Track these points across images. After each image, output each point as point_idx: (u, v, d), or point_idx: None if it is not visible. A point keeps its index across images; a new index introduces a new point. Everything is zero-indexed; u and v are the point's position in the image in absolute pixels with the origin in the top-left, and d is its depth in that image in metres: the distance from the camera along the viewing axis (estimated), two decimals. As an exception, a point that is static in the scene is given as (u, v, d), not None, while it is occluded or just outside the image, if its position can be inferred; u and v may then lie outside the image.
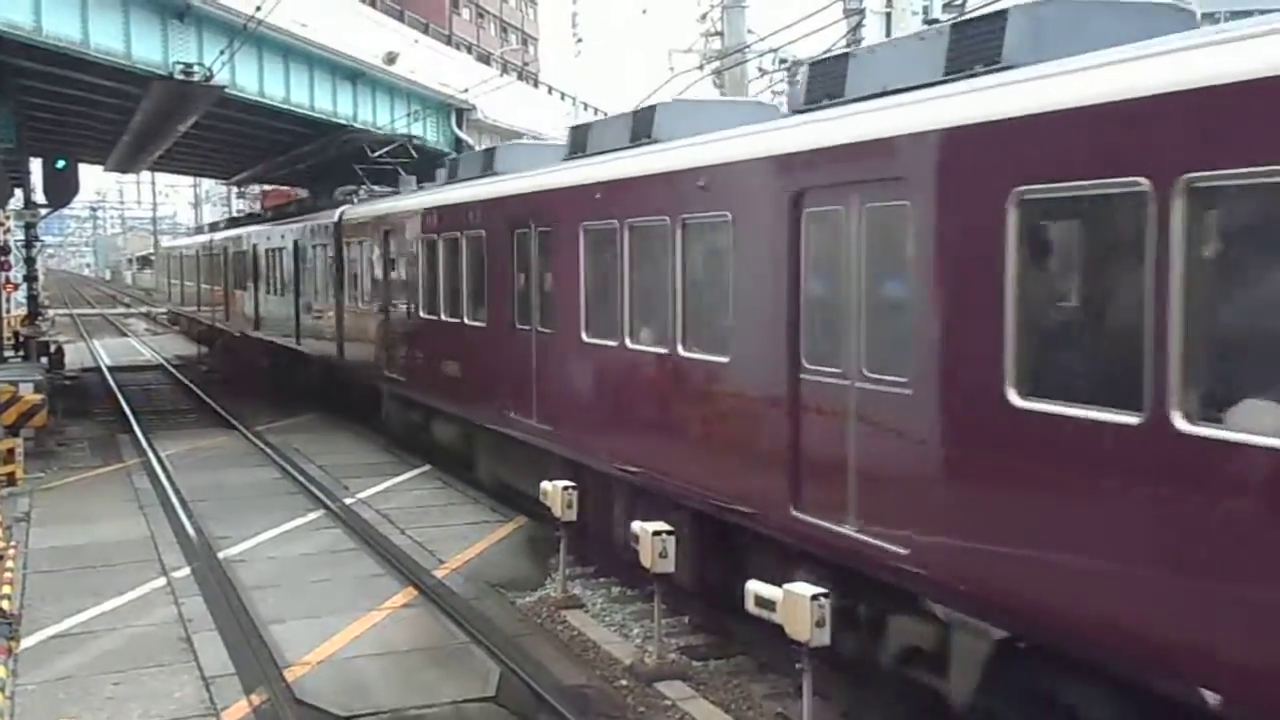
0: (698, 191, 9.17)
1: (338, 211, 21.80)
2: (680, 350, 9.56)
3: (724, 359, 8.85)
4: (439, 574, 11.59)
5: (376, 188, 22.86)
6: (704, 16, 31.13)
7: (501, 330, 13.37)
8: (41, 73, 22.42)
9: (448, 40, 38.73)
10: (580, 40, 65.80)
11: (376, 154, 24.95)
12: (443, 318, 15.50)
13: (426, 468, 17.03)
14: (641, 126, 11.19)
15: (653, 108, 11.33)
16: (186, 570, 11.71)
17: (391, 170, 24.31)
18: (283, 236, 25.90)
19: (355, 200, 22.28)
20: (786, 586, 7.17)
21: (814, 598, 6.93)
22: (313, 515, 14.29)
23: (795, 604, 7.00)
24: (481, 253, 14.13)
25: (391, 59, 28.69)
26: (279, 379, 27.43)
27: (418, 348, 16.98)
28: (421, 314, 16.47)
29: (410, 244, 17.10)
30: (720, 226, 8.94)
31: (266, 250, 27.55)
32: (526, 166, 13.96)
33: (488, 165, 15.63)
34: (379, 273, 18.82)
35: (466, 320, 14.66)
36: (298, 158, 35.73)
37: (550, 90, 44.57)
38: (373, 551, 12.49)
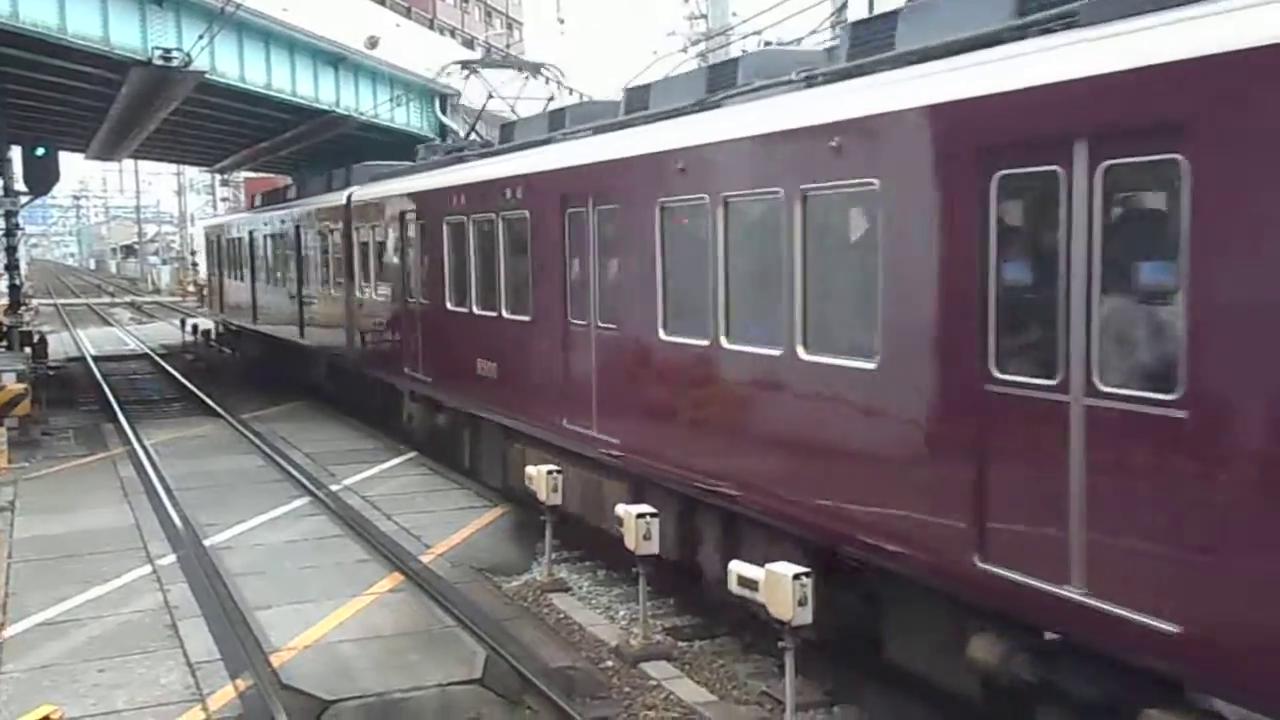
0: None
1: None
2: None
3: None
4: (425, 559, 11.59)
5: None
6: (687, -1, 31.11)
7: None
8: (19, 59, 22.23)
9: (430, 25, 38.55)
10: (563, 21, 65.41)
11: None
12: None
13: (413, 454, 17.01)
14: None
15: None
16: (172, 558, 11.69)
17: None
18: None
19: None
20: (769, 566, 7.20)
21: (795, 577, 6.96)
22: (298, 502, 14.27)
23: (777, 583, 7.03)
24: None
25: (374, 43, 28.52)
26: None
27: None
28: None
29: None
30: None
31: None
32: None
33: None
34: None
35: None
36: (281, 144, 35.55)
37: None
38: (358, 537, 12.48)
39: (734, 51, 24.30)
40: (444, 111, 32.55)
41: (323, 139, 33.31)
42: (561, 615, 10.12)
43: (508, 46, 46.39)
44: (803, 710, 7.81)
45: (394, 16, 32.12)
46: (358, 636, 9.29)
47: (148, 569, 11.31)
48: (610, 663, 8.94)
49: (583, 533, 11.89)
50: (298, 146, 35.82)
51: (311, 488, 14.96)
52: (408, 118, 31.36)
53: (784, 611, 7.01)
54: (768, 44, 25.94)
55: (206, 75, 23.33)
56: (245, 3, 20.35)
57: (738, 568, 7.50)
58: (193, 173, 74.46)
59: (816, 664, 8.26)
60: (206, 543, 12.29)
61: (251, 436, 19.22)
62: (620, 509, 9.25)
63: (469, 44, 42.38)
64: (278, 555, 11.86)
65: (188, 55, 21.68)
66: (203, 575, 11.03)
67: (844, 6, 21.41)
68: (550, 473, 10.81)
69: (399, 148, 32.96)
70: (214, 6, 21.38)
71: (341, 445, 18.36)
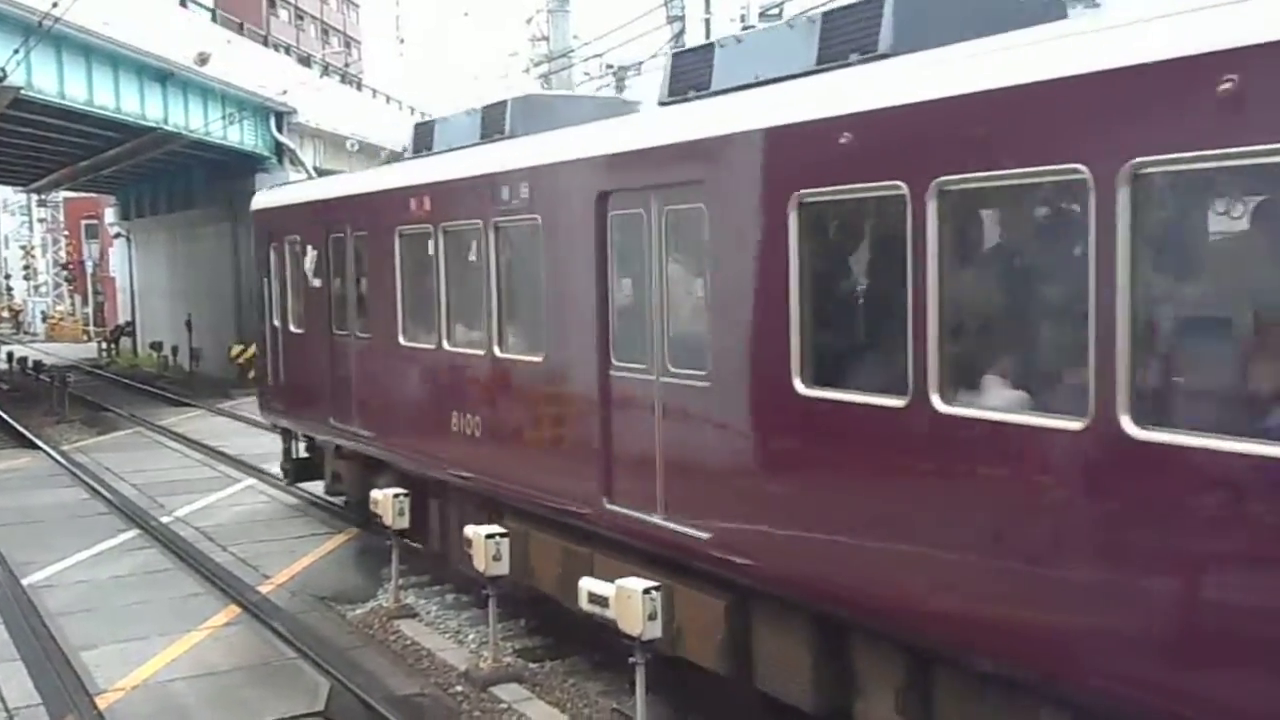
0: None
1: None
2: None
3: None
4: (263, 589, 11.20)
5: None
6: (529, 20, 31.20)
7: None
8: None
9: (264, 41, 37.54)
10: (403, 41, 64.51)
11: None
12: None
13: (252, 481, 16.43)
14: None
15: None
16: (-15, 599, 10.98)
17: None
18: None
19: None
20: (619, 582, 7.19)
21: (646, 591, 6.97)
22: (125, 536, 13.61)
23: (627, 599, 7.03)
24: None
25: (204, 59, 27.57)
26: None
27: None
28: None
29: None
30: None
31: None
32: None
33: None
34: None
35: None
36: (104, 162, 34.05)
37: (375, 94, 43.70)
38: (191, 571, 11.98)
39: (576, 74, 24.45)
40: (279, 129, 31.74)
41: (150, 157, 32.05)
42: (409, 641, 9.89)
43: (346, 66, 45.57)
44: (654, 726, 7.81)
45: (225, 33, 31.07)
46: (190, 674, 8.90)
47: (-42, 612, 10.59)
48: (460, 687, 8.77)
49: (430, 557, 11.67)
50: (123, 165, 34.37)
51: (140, 521, 14.28)
52: (241, 135, 30.43)
53: (634, 626, 7.01)
54: (609, 67, 26.15)
55: (22, 91, 22.15)
56: (64, 16, 19.36)
57: (588, 584, 7.46)
58: (6, 192, 70.41)
59: (667, 680, 8.28)
60: (24, 581, 11.60)
61: (74, 469, 18.25)
62: (469, 530, 9.12)
63: (305, 62, 41.39)
64: (104, 592, 11.28)
65: (2, 70, 20.54)
66: (20, 615, 10.40)
67: (681, 33, 21.85)
68: (397, 496, 10.57)
69: (233, 165, 31.89)
70: (30, 20, 20.32)
71: (173, 475, 17.61)
